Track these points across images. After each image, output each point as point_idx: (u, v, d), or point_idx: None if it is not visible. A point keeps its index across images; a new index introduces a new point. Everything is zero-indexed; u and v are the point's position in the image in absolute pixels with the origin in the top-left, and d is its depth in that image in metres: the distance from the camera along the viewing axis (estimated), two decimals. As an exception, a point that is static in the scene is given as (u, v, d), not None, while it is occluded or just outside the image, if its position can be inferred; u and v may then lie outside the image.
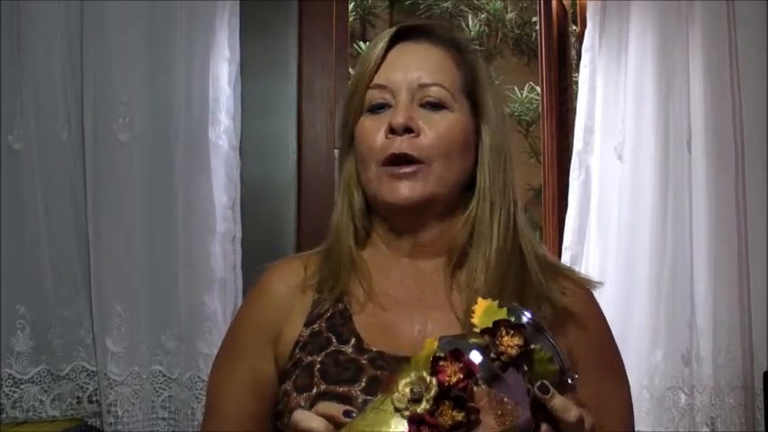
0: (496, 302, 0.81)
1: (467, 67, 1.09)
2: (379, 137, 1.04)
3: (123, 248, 1.66)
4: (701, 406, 2.00)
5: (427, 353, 0.76)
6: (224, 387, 1.07)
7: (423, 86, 1.05)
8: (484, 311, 0.81)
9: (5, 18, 1.61)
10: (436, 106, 1.05)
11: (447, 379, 0.73)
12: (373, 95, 1.06)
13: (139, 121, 1.69)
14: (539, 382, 0.78)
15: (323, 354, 1.00)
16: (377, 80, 1.06)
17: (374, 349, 1.00)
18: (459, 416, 0.73)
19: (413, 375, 0.74)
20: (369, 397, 0.94)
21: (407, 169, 1.02)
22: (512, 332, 0.77)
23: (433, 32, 1.10)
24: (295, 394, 0.99)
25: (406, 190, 1.02)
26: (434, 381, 0.73)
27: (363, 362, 0.98)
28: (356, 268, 1.07)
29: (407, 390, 0.74)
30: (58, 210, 1.64)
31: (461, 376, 0.73)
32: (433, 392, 0.73)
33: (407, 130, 1.02)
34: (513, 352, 0.77)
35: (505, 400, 0.75)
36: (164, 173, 1.71)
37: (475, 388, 0.74)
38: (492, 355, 0.77)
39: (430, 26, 1.11)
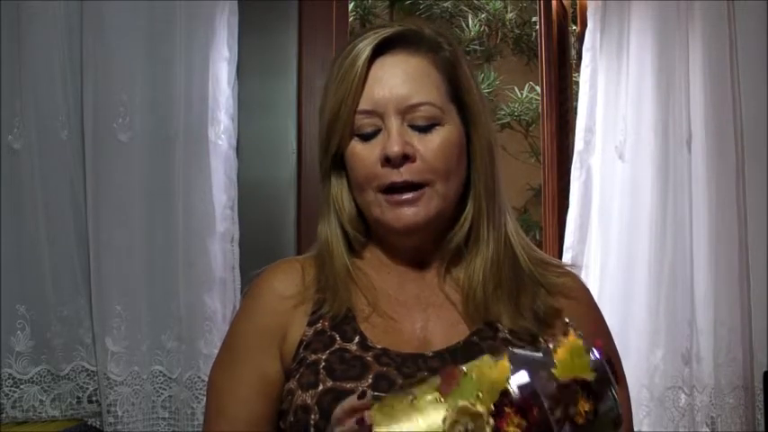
0: (584, 343, 0.78)
1: (448, 68, 1.06)
2: (376, 164, 1.02)
3: (123, 248, 1.66)
4: (701, 406, 2.00)
5: (498, 377, 0.74)
6: (230, 390, 1.06)
7: (412, 107, 1.02)
8: (570, 350, 0.78)
9: (5, 18, 1.61)
10: (428, 125, 1.03)
11: (506, 429, 0.72)
12: (362, 122, 1.03)
13: (139, 121, 1.69)
14: None
15: (327, 352, 1.00)
16: (363, 105, 1.03)
17: (379, 346, 1.00)
18: None
19: (469, 403, 0.71)
20: (377, 393, 0.93)
21: (409, 195, 1.02)
22: (587, 395, 0.75)
23: (407, 39, 1.06)
24: (300, 392, 0.99)
25: (410, 214, 1.02)
26: (492, 422, 0.71)
27: (369, 359, 0.99)
28: (354, 280, 1.07)
29: (460, 429, 0.72)
30: (58, 210, 1.64)
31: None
32: None
33: (404, 157, 1.01)
34: (581, 421, 0.75)
35: None
36: (163, 172, 1.71)
37: None
38: (558, 413, 0.75)
39: (404, 33, 1.07)
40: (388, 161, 1.01)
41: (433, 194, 1.02)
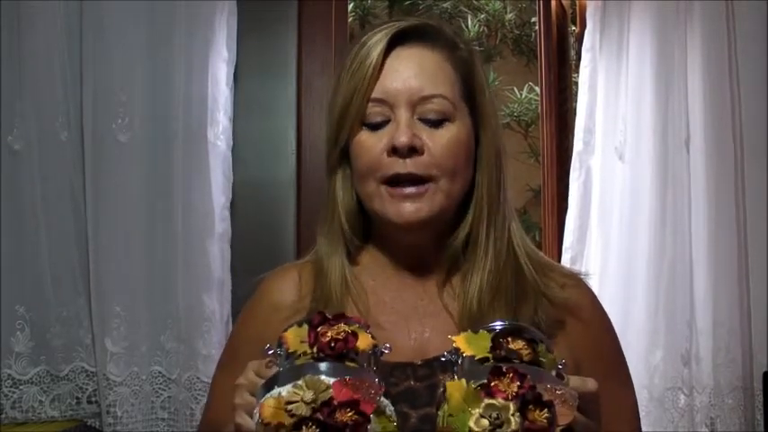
0: (465, 333, 0.84)
1: (463, 67, 1.05)
2: (381, 154, 1.01)
3: (122, 249, 1.66)
4: (700, 406, 2.00)
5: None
6: (224, 393, 1.00)
7: (424, 99, 1.01)
8: (467, 343, 0.82)
9: (5, 18, 1.61)
10: (439, 120, 1.02)
11: (508, 391, 0.75)
12: (372, 111, 1.02)
13: (139, 122, 1.70)
14: (553, 371, 0.81)
15: None
16: (375, 94, 1.02)
17: None
18: (545, 414, 0.74)
19: (478, 411, 0.74)
20: None
21: (412, 189, 1.00)
22: (510, 340, 0.80)
23: (425, 33, 1.05)
24: None
25: (411, 210, 1.00)
26: (511, 405, 0.74)
27: None
28: (350, 289, 1.04)
29: (485, 422, 0.74)
30: (57, 210, 1.64)
31: (519, 383, 0.75)
32: (512, 410, 0.74)
33: (411, 149, 0.99)
34: (527, 352, 0.79)
35: (556, 388, 0.77)
36: (163, 173, 1.71)
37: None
38: (517, 360, 0.79)
39: (422, 27, 1.06)
40: (394, 151, 1.00)
41: (436, 191, 1.00)
